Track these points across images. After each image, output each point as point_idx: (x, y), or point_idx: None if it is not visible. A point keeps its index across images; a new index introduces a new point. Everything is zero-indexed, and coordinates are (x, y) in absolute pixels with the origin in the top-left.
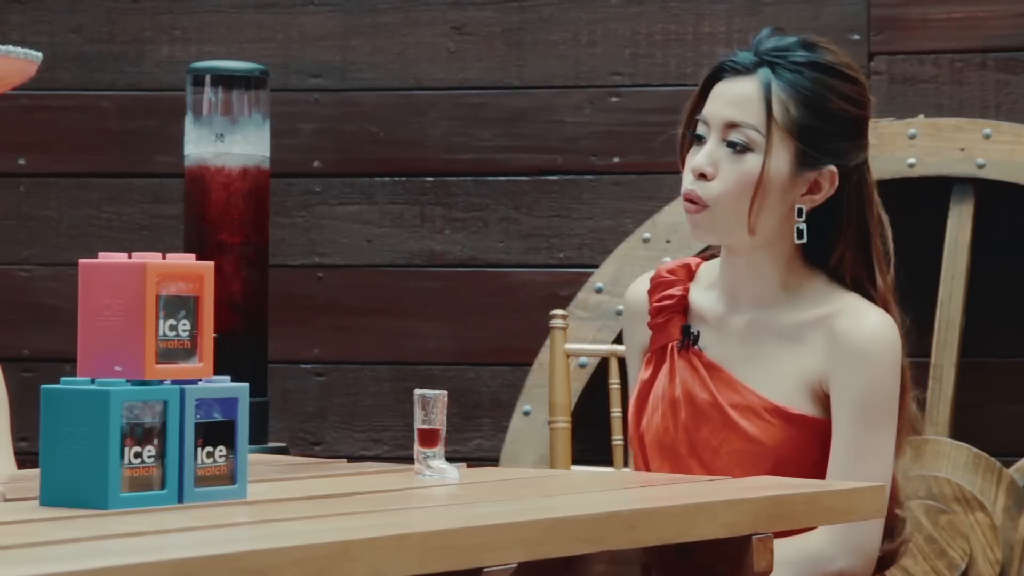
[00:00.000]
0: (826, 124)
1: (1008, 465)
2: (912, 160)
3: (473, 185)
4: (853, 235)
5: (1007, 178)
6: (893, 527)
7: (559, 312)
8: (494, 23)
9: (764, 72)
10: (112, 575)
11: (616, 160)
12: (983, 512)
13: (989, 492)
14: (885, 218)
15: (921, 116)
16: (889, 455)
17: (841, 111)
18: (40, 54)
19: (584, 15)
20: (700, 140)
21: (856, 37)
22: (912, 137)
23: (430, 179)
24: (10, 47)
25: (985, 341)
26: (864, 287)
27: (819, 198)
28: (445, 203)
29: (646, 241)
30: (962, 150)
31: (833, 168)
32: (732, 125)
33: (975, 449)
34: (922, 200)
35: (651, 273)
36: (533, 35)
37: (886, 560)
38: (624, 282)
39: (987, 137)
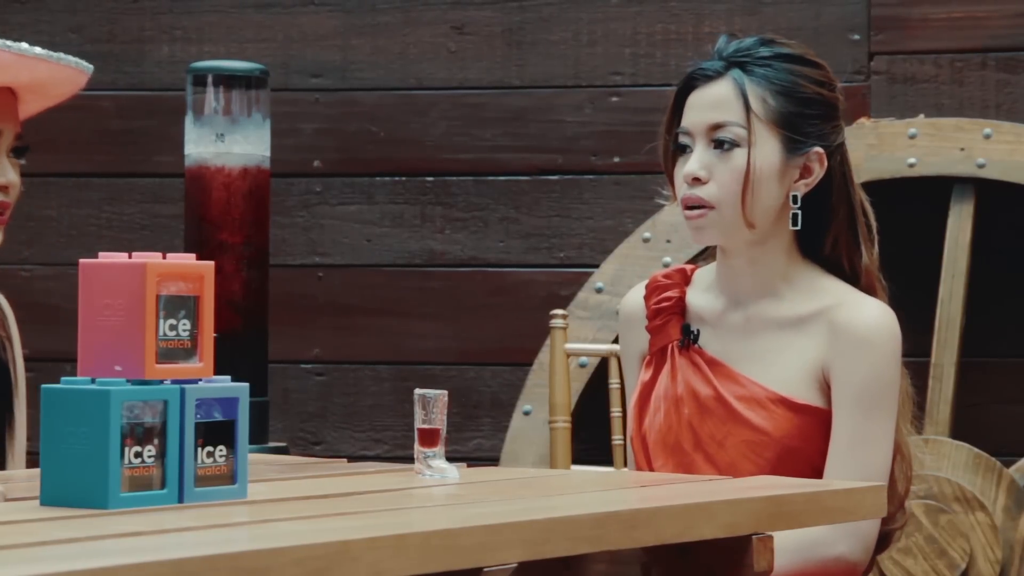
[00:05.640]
0: (804, 109)
1: (1008, 465)
2: (912, 160)
3: (473, 185)
4: (844, 215)
5: (1007, 178)
6: (891, 513)
7: (559, 312)
8: (494, 23)
9: (735, 72)
10: (112, 575)
11: (616, 160)
12: (983, 512)
13: (989, 492)
14: (865, 197)
15: (921, 116)
16: (889, 442)
17: (815, 94)
18: (91, 66)
19: (584, 15)
20: (685, 150)
21: (856, 37)
22: (912, 137)
23: (430, 179)
24: (61, 55)
25: (985, 341)
26: (853, 266)
27: (812, 181)
28: (445, 203)
29: (646, 241)
30: (962, 150)
31: (819, 149)
32: (716, 127)
33: (975, 449)
34: (922, 200)
35: (645, 282)
36: (533, 35)
37: (880, 543)
38: (624, 282)
39: (987, 137)
